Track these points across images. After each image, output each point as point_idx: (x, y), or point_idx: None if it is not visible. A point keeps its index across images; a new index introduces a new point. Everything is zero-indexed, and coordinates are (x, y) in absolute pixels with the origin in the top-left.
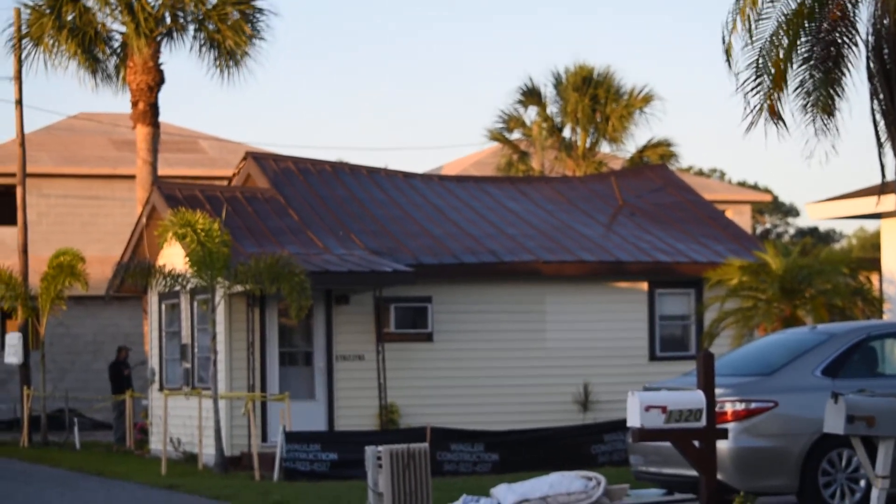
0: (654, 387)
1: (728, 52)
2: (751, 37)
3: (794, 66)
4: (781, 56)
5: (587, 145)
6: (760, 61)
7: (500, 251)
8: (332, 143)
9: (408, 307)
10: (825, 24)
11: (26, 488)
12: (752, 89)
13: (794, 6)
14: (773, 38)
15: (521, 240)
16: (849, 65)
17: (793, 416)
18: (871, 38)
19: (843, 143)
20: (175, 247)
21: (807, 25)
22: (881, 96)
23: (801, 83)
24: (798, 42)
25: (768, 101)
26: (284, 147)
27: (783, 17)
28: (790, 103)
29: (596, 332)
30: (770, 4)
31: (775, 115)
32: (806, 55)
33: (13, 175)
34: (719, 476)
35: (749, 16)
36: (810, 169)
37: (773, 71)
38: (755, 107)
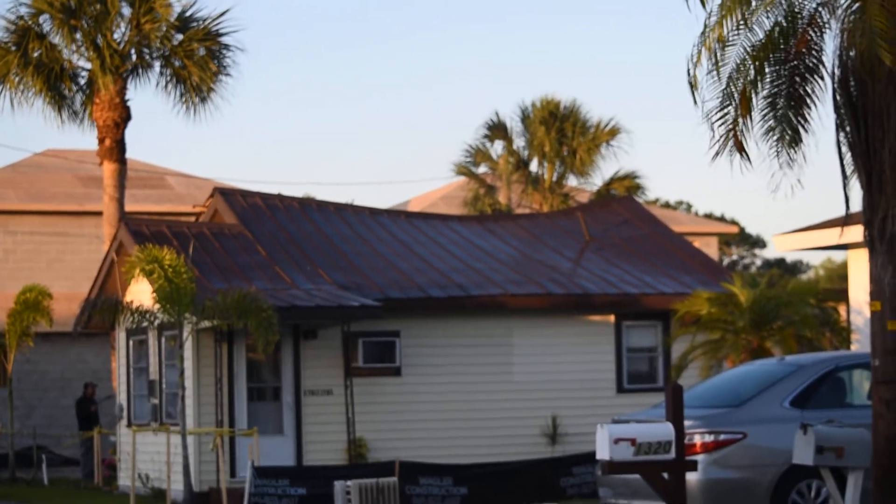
0: (622, 419)
1: (693, 85)
2: (717, 66)
3: (760, 97)
4: (747, 86)
5: (554, 179)
6: (726, 91)
7: (468, 285)
8: (300, 178)
9: (376, 341)
10: (791, 56)
11: None
12: (718, 119)
13: (760, 36)
14: (740, 67)
15: (489, 273)
16: (815, 97)
17: (762, 448)
18: (837, 71)
19: (809, 174)
20: (142, 283)
21: (772, 56)
22: (847, 128)
23: (767, 114)
24: (764, 72)
25: (733, 132)
26: (252, 182)
27: (749, 47)
28: (755, 134)
29: (563, 365)
30: (736, 33)
31: (740, 147)
32: (771, 86)
33: None
34: None
35: (714, 47)
36: (776, 201)
37: (738, 101)
38: (720, 137)
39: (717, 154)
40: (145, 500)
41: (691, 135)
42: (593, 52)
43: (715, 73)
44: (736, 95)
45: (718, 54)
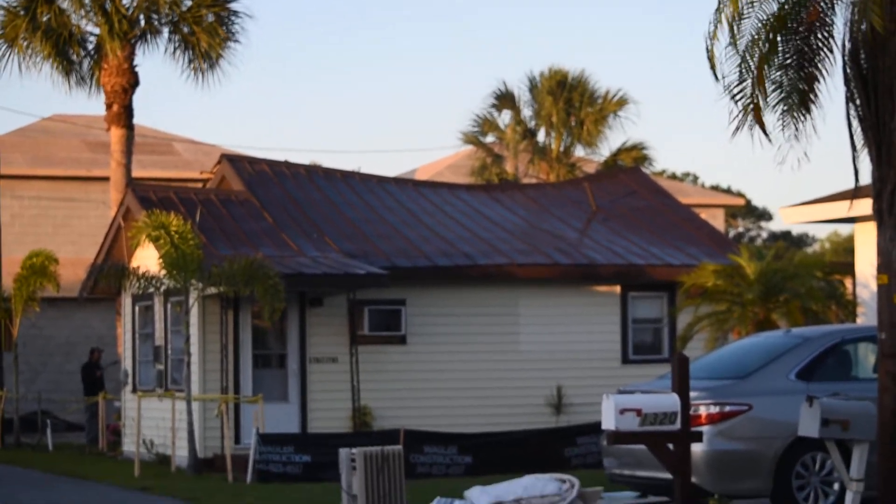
0: (628, 390)
1: (711, 61)
2: (734, 39)
3: (773, 70)
4: (762, 59)
5: (561, 149)
6: (743, 65)
7: (474, 254)
8: (306, 145)
9: (381, 310)
10: (802, 28)
11: (0, 490)
12: (738, 93)
13: (775, 8)
14: (755, 40)
15: (495, 243)
16: (824, 69)
17: (767, 420)
18: (847, 43)
19: (816, 147)
20: (149, 249)
21: (785, 28)
22: (857, 101)
23: (778, 87)
24: (776, 45)
25: (753, 106)
26: (258, 149)
27: (763, 20)
28: (768, 108)
29: (569, 335)
30: (750, 5)
31: (760, 121)
32: (783, 58)
33: None
34: (693, 479)
35: (730, 20)
36: (782, 174)
37: (755, 75)
38: (740, 111)
39: (737, 129)
40: (150, 466)
41: (699, 107)
42: (601, 22)
43: (732, 47)
44: (752, 69)
45: (735, 28)
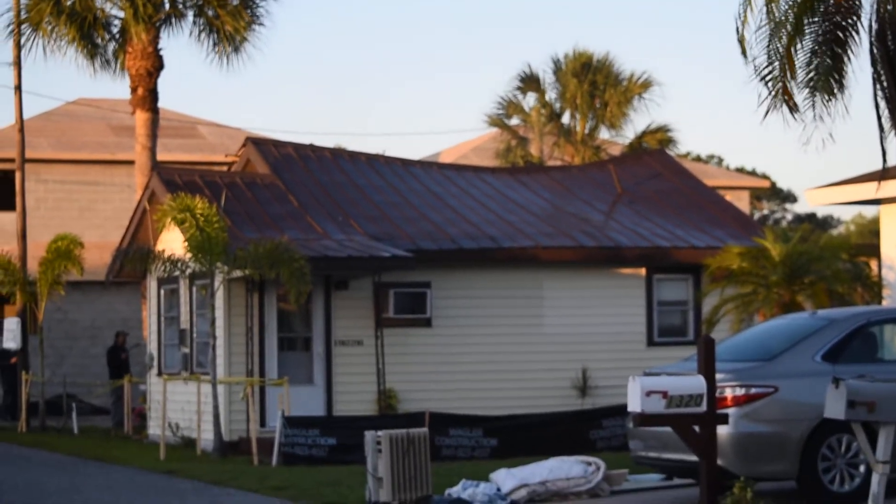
0: (654, 372)
1: (742, 44)
2: (771, 17)
3: (801, 52)
4: (791, 41)
5: (586, 131)
6: (772, 48)
7: (499, 237)
8: (331, 128)
9: (407, 292)
10: (830, 9)
11: (26, 473)
12: (768, 75)
13: None
14: (784, 21)
15: (520, 226)
16: (852, 50)
17: (793, 402)
18: (874, 24)
19: (842, 128)
20: (174, 232)
21: (812, 10)
22: (884, 82)
23: (806, 69)
24: (803, 27)
25: (783, 88)
26: (282, 133)
27: (791, 2)
28: (797, 89)
29: (594, 318)
30: None
31: (790, 102)
32: (812, 40)
33: (12, 161)
34: (719, 461)
35: (760, 4)
36: (808, 155)
37: (784, 57)
38: (770, 93)
39: (768, 111)
40: (175, 449)
41: (724, 89)
42: (626, 4)
43: (762, 28)
44: (781, 51)
45: (773, 8)
